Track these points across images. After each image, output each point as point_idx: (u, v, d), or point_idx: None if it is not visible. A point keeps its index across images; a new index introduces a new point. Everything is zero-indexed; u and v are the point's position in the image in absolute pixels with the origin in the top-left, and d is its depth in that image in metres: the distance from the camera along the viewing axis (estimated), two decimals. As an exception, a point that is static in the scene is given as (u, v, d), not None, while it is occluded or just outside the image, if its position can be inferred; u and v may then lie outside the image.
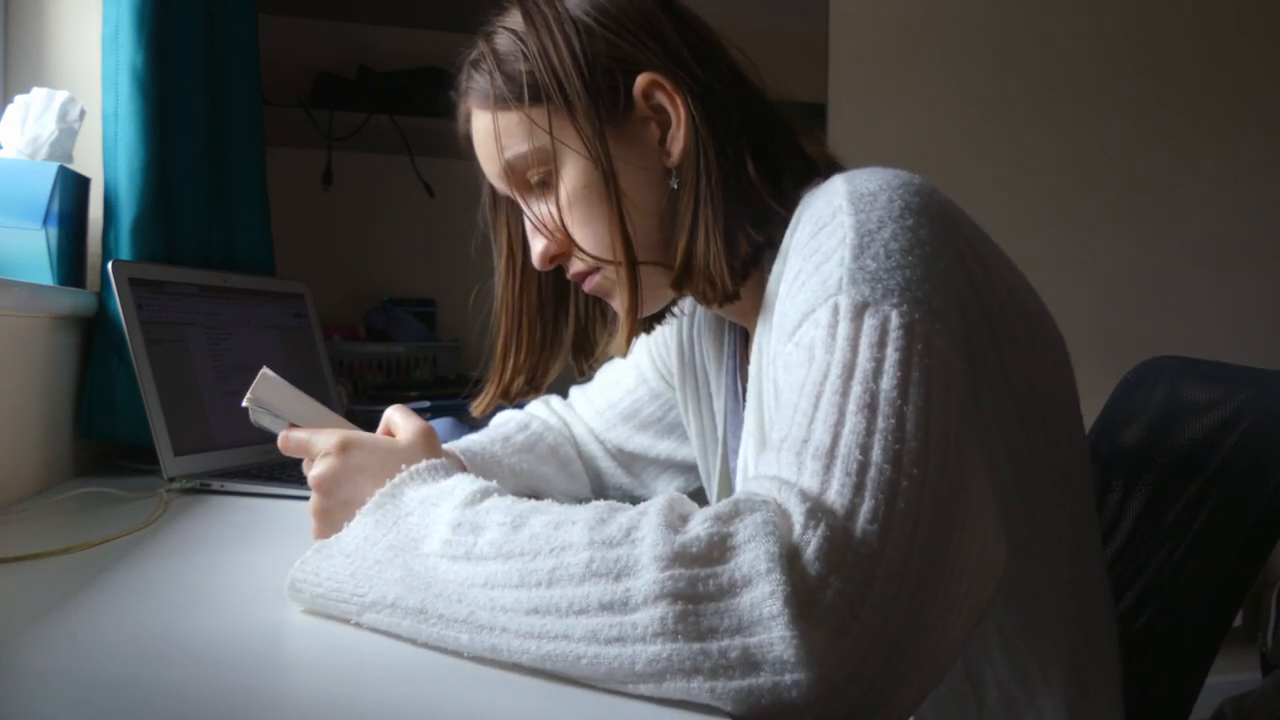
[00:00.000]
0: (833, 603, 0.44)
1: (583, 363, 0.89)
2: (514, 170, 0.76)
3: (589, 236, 0.75)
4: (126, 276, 1.03)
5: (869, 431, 0.50)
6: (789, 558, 0.45)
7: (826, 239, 0.60)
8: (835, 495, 0.47)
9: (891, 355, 0.53)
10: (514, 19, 0.76)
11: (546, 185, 0.76)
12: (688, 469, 1.03)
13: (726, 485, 0.92)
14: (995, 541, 0.52)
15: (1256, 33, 2.62)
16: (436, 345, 1.99)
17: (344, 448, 0.65)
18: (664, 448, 1.03)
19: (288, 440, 0.69)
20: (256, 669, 0.51)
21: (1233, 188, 2.60)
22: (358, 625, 0.56)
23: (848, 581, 0.44)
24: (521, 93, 0.73)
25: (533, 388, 0.86)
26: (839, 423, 0.50)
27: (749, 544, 0.45)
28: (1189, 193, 2.59)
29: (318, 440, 0.67)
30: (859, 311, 0.55)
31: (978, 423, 0.58)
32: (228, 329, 1.18)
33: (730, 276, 0.73)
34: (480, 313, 0.86)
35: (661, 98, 0.73)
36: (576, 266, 0.78)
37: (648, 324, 0.89)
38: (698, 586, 0.44)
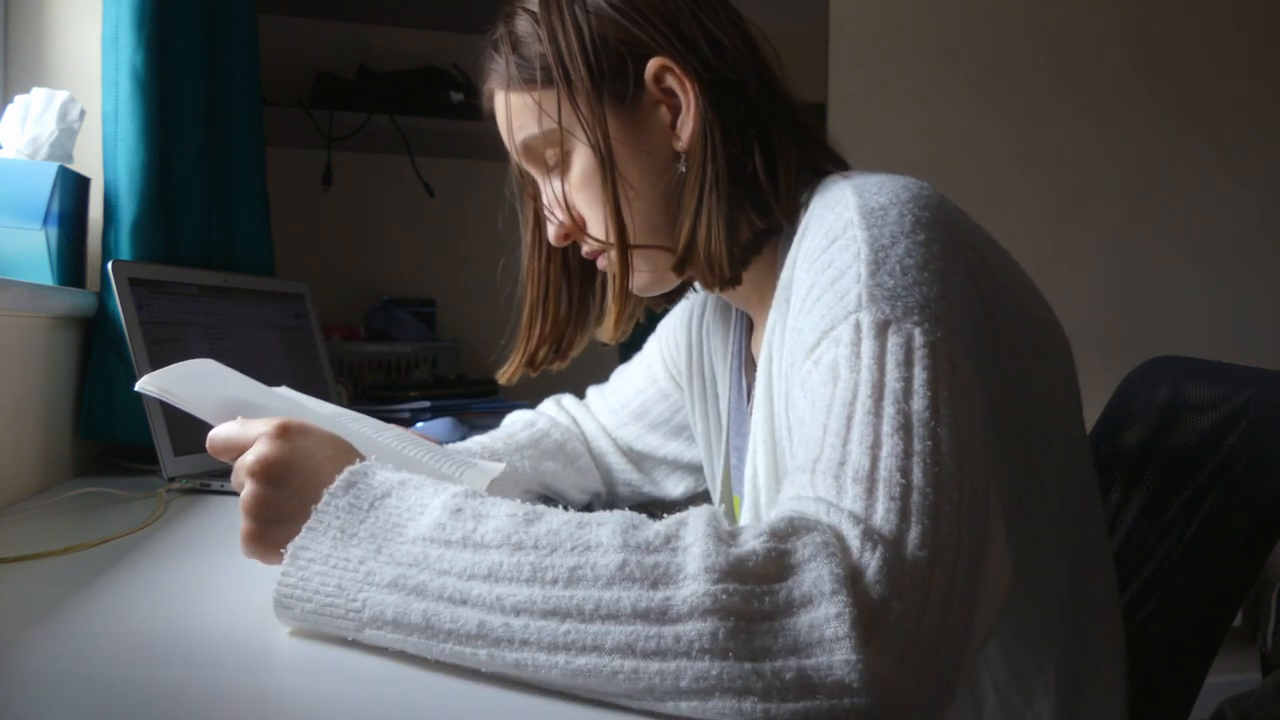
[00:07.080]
0: (895, 626, 0.43)
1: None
2: (530, 150, 0.78)
3: (595, 219, 0.76)
4: (126, 276, 1.03)
5: (907, 454, 0.49)
6: (852, 579, 0.43)
7: (839, 253, 0.60)
8: (882, 520, 0.46)
9: (920, 375, 0.52)
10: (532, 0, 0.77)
11: (560, 166, 0.77)
12: (696, 470, 1.03)
13: (729, 484, 0.92)
14: (1002, 555, 0.52)
15: (1257, 33, 2.62)
16: (436, 345, 1.99)
17: (285, 432, 0.57)
18: (672, 448, 1.03)
19: (214, 441, 0.60)
20: (256, 669, 0.51)
21: (1233, 188, 2.60)
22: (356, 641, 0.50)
23: (909, 605, 0.44)
24: (533, 75, 0.74)
25: (559, 356, 0.86)
26: (876, 444, 0.49)
27: (810, 563, 0.44)
28: (1189, 193, 2.59)
29: (251, 427, 0.58)
30: (882, 329, 0.54)
31: (992, 439, 0.58)
32: (228, 329, 1.18)
33: (730, 261, 0.74)
34: (507, 284, 0.87)
35: (672, 82, 0.74)
36: (586, 246, 0.79)
37: (657, 302, 0.89)
38: (752, 603, 0.42)
